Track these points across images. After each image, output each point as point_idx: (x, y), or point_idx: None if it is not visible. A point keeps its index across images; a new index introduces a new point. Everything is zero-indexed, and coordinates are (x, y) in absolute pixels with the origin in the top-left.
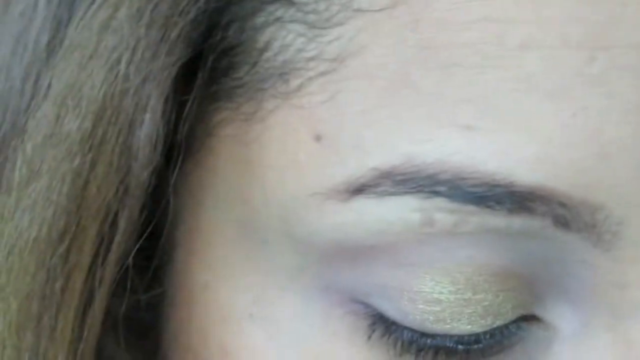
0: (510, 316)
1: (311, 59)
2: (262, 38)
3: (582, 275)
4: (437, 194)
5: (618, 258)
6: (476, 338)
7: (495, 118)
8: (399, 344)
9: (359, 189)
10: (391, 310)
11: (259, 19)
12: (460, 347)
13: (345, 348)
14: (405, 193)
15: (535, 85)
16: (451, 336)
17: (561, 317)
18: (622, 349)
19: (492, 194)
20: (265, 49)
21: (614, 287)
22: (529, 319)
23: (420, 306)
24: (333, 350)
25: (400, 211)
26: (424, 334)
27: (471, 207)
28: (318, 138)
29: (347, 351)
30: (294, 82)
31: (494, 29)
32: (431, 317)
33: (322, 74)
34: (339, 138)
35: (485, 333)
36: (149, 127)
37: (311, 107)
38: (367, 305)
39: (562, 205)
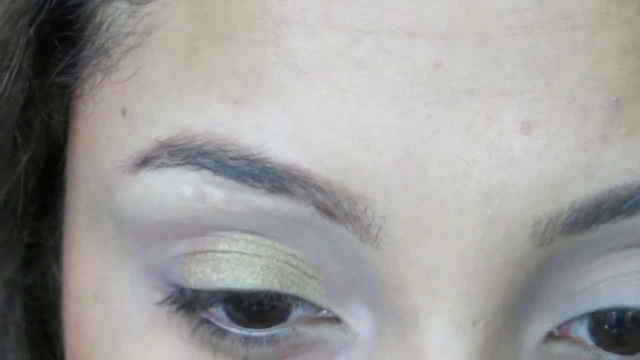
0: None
1: (128, 34)
2: (98, 15)
3: (369, 275)
4: (203, 166)
5: (392, 258)
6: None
7: (258, 92)
8: (199, 329)
9: (144, 162)
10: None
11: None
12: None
13: (165, 337)
14: (178, 165)
15: (294, 62)
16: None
17: (359, 320)
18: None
19: (249, 169)
20: (98, 26)
21: (395, 290)
22: (331, 320)
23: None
24: (155, 336)
25: (175, 184)
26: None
27: (234, 183)
28: (124, 112)
29: (168, 342)
30: (114, 57)
31: (260, 3)
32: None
33: (132, 48)
34: (137, 111)
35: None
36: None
37: (121, 82)
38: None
39: (321, 190)
